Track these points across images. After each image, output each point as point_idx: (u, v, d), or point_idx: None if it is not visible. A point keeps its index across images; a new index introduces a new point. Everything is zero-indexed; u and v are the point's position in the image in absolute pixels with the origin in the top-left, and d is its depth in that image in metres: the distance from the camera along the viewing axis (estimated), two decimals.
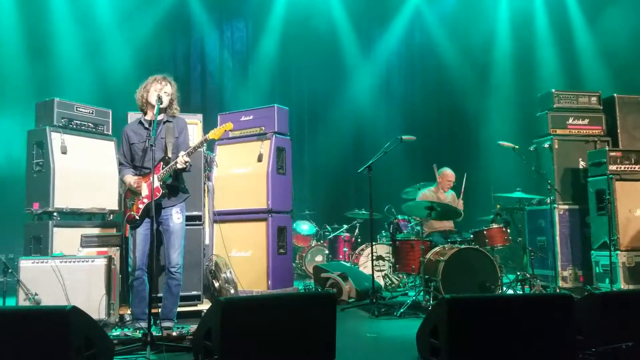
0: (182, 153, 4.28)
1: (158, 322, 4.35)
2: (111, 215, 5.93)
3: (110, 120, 6.23)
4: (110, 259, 4.94)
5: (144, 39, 9.69)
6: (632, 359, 3.13)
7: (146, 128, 4.44)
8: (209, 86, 10.59)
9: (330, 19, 11.06)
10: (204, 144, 4.62)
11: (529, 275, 6.22)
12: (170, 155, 4.36)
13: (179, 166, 4.25)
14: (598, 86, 8.17)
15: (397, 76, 11.63)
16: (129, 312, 4.81)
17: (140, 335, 3.86)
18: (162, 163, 4.35)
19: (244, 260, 6.19)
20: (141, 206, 4.35)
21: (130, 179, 4.43)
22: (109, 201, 5.87)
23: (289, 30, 10.84)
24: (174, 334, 4.00)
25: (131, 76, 9.02)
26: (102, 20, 9.54)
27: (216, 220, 5.85)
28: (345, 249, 8.76)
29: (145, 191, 4.36)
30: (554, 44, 10.70)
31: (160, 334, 3.97)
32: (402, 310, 5.32)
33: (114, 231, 5.65)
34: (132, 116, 5.77)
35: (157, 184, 4.27)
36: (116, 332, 4.06)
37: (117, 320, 4.92)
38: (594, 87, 7.83)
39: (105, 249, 5.15)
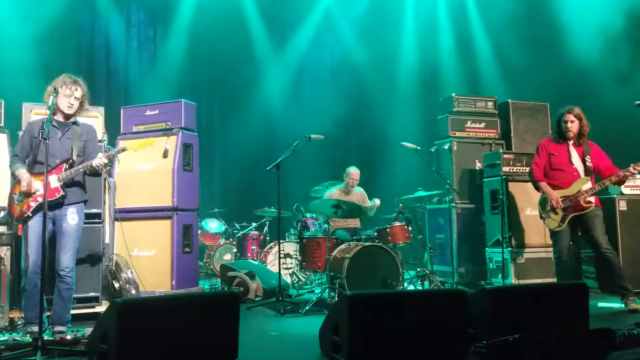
0: (100, 155, 4.22)
1: (49, 327, 4.16)
2: (2, 212, 5.54)
3: (2, 111, 5.80)
4: None
5: (44, 27, 9.08)
6: (520, 350, 3.32)
7: (54, 126, 4.28)
8: (113, 79, 10.12)
9: (241, 16, 10.95)
10: (120, 152, 4.48)
11: (428, 272, 6.48)
12: (74, 158, 4.26)
13: (95, 164, 4.18)
14: (494, 91, 8.61)
15: (308, 76, 11.72)
16: (20, 315, 4.53)
17: (30, 340, 3.64)
18: (65, 164, 4.22)
19: (146, 259, 5.99)
20: (33, 204, 4.13)
21: (26, 177, 4.17)
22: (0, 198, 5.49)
23: (199, 25, 10.61)
24: (68, 337, 3.80)
25: (29, 66, 8.49)
26: None
27: (117, 218, 5.63)
28: (253, 247, 8.73)
29: (40, 189, 4.14)
30: (456, 49, 11.20)
31: (53, 338, 3.78)
32: (307, 308, 5.38)
33: (4, 229, 5.29)
34: (28, 107, 5.47)
35: (57, 184, 4.16)
36: (4, 337, 3.81)
37: (6, 324, 4.62)
38: (491, 93, 8.24)
39: None
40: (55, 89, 4.09)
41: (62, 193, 4.20)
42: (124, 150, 4.39)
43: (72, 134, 4.33)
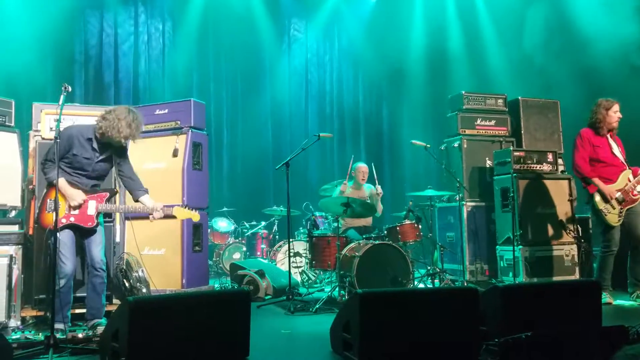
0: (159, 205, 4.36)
1: (84, 322, 4.36)
2: (13, 211, 5.57)
3: (13, 111, 5.83)
4: (11, 258, 4.66)
5: (52, 26, 9.11)
6: (532, 348, 3.30)
7: (94, 149, 4.34)
8: (122, 78, 10.15)
9: (250, 14, 10.97)
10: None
11: (438, 270, 6.45)
12: (118, 189, 4.54)
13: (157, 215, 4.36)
14: (504, 89, 8.53)
15: (316, 74, 11.74)
16: (32, 314, 4.60)
17: (42, 338, 3.66)
18: (108, 194, 4.38)
19: (157, 258, 6.01)
20: (64, 220, 4.24)
21: (75, 193, 4.27)
22: (11, 197, 5.50)
23: (208, 24, 10.65)
24: (80, 335, 3.82)
25: (37, 65, 8.54)
26: (4, 5, 8.93)
27: (128, 217, 5.65)
28: (263, 246, 8.75)
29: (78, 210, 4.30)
30: (465, 46, 11.14)
31: (65, 337, 3.80)
32: (317, 306, 5.38)
33: (16, 228, 5.31)
34: (38, 107, 5.48)
35: (94, 212, 4.28)
36: (16, 335, 3.84)
37: (18, 322, 4.65)
38: (501, 90, 8.17)
39: (5, 248, 4.84)
40: (65, 87, 4.06)
41: (95, 223, 4.31)
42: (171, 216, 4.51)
43: (111, 159, 4.44)
